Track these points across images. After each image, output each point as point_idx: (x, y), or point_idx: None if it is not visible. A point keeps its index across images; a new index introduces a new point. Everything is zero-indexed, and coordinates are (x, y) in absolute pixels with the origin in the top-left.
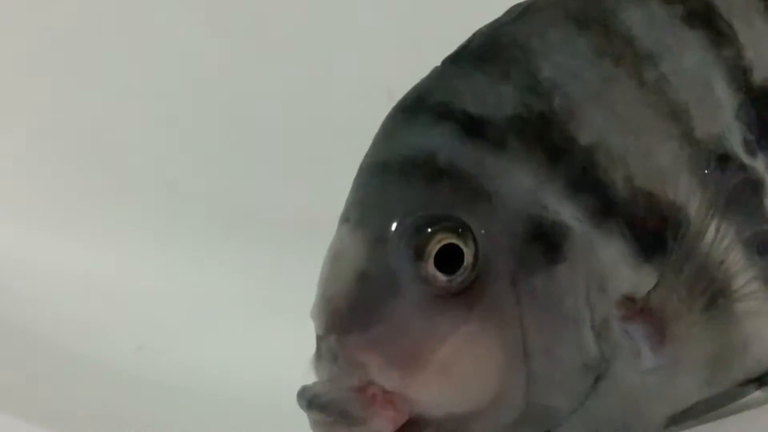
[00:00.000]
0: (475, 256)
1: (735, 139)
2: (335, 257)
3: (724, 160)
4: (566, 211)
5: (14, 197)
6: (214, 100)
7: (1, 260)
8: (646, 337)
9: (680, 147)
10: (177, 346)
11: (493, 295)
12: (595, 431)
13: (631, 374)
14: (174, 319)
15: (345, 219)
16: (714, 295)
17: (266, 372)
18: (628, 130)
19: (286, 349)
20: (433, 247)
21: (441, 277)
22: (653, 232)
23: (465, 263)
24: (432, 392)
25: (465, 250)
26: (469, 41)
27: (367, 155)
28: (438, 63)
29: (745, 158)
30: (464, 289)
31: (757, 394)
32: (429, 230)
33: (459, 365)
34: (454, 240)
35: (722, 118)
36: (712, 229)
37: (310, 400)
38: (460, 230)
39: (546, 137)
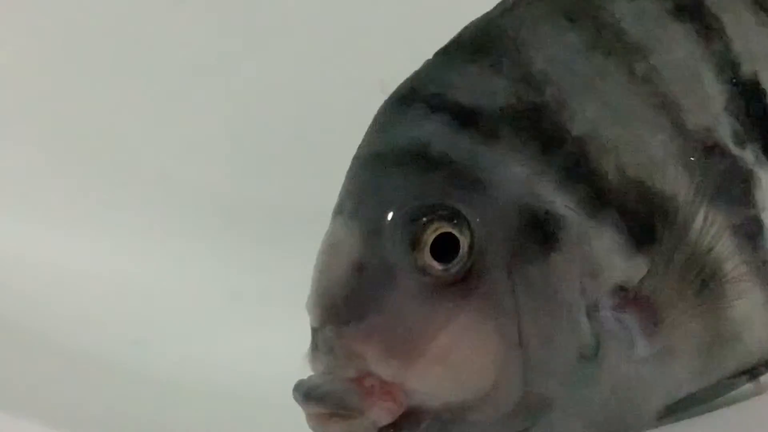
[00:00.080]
0: (471, 245)
1: (724, 131)
2: (330, 249)
3: (714, 150)
4: (559, 201)
5: (11, 193)
6: (210, 94)
7: None
8: (639, 325)
9: (671, 138)
10: (173, 341)
11: (488, 284)
12: (590, 420)
13: (625, 363)
14: (170, 314)
15: (339, 211)
16: (704, 281)
17: (263, 366)
18: (619, 121)
19: (283, 343)
20: (429, 237)
21: (437, 266)
22: (645, 221)
23: (460, 252)
24: (429, 382)
25: (460, 238)
26: (461, 34)
27: (360, 147)
28: (430, 56)
29: (735, 149)
30: (460, 278)
31: (748, 387)
32: (424, 219)
33: (456, 354)
34: (449, 229)
35: (712, 109)
36: (700, 217)
37: (306, 392)
38: (455, 219)
39: (538, 128)
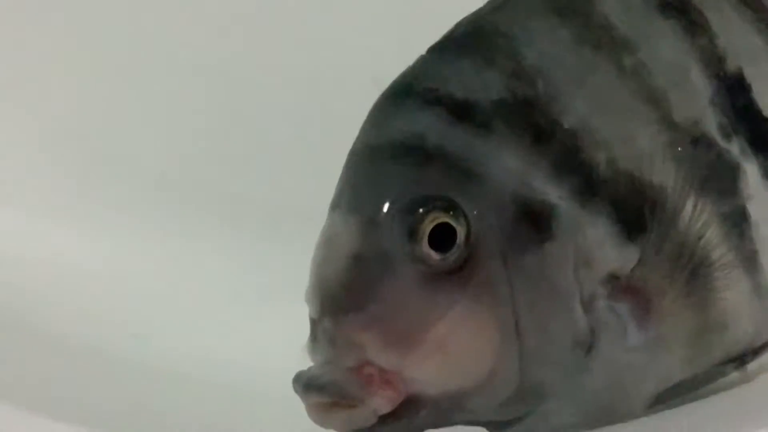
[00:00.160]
0: (467, 235)
1: (711, 124)
2: (328, 241)
3: (701, 143)
4: (552, 192)
5: (10, 188)
6: (207, 91)
7: None
8: (631, 313)
9: (659, 131)
10: (173, 334)
11: (485, 273)
12: (583, 408)
13: (617, 351)
14: (170, 307)
15: (336, 205)
16: (694, 269)
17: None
18: (609, 114)
19: (282, 336)
20: (427, 227)
21: (435, 255)
22: (635, 211)
23: (458, 242)
24: (428, 370)
25: (457, 228)
26: (454, 30)
27: (356, 142)
28: (423, 52)
29: (721, 142)
30: (457, 268)
31: (734, 375)
32: (422, 210)
33: (454, 343)
34: (446, 219)
35: (698, 103)
36: (689, 206)
37: (306, 383)
38: (452, 210)
39: (531, 121)
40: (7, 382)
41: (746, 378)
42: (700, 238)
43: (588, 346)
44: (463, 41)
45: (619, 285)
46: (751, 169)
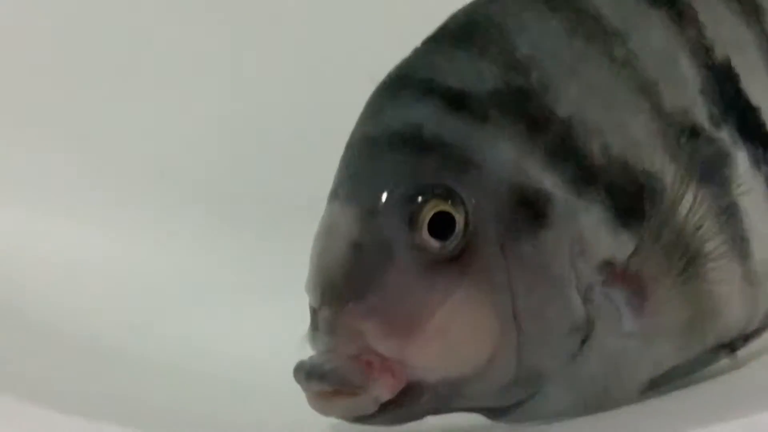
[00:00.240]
0: (466, 223)
1: (701, 113)
2: (327, 231)
3: (694, 132)
4: (548, 180)
5: (13, 188)
6: (206, 89)
7: None
8: (626, 301)
9: (651, 119)
10: (172, 328)
11: (483, 260)
12: (579, 394)
13: (613, 338)
14: (169, 302)
15: (335, 195)
16: (690, 259)
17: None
18: (601, 103)
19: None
20: (426, 215)
21: (434, 243)
22: (630, 199)
23: (456, 229)
24: (428, 357)
25: (456, 216)
26: (448, 22)
27: (353, 132)
28: (418, 44)
29: (712, 131)
30: (456, 255)
31: (725, 361)
32: (421, 198)
33: (454, 329)
34: (445, 207)
35: (688, 92)
36: (688, 197)
37: (308, 372)
38: (451, 198)
39: (525, 110)
40: (9, 376)
41: (737, 364)
42: (696, 228)
43: (584, 332)
44: (458, 32)
45: (614, 272)
46: (740, 157)
